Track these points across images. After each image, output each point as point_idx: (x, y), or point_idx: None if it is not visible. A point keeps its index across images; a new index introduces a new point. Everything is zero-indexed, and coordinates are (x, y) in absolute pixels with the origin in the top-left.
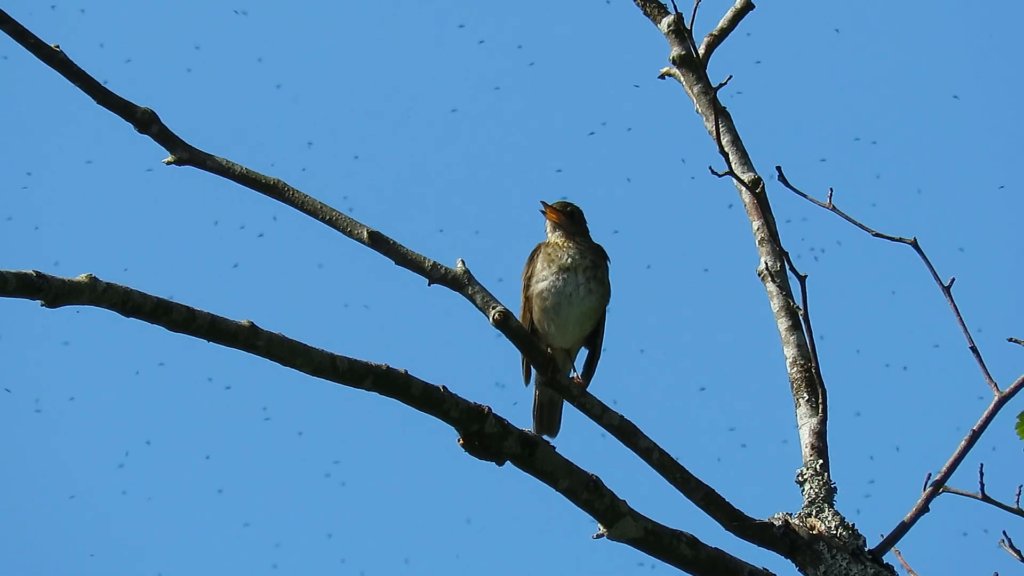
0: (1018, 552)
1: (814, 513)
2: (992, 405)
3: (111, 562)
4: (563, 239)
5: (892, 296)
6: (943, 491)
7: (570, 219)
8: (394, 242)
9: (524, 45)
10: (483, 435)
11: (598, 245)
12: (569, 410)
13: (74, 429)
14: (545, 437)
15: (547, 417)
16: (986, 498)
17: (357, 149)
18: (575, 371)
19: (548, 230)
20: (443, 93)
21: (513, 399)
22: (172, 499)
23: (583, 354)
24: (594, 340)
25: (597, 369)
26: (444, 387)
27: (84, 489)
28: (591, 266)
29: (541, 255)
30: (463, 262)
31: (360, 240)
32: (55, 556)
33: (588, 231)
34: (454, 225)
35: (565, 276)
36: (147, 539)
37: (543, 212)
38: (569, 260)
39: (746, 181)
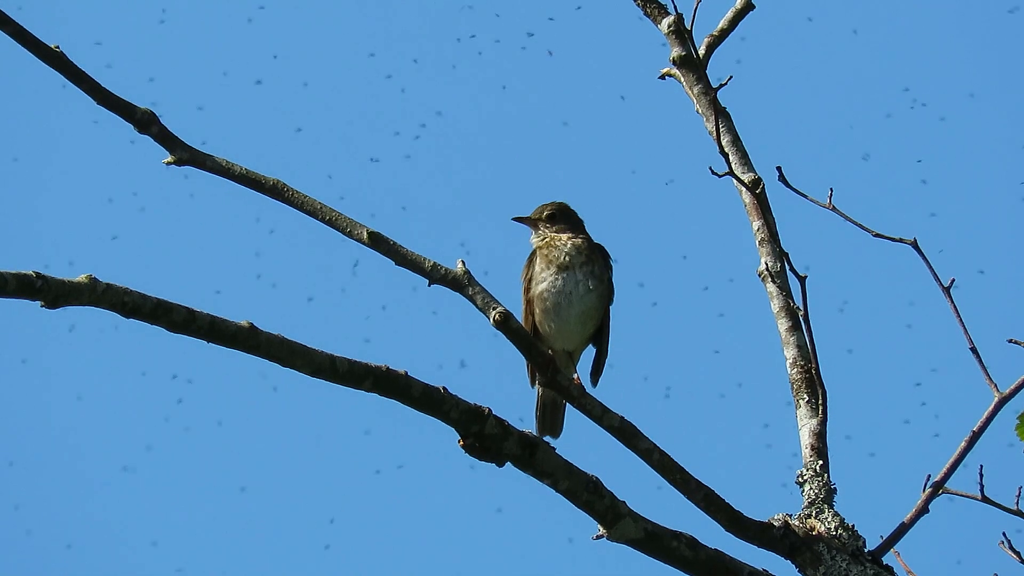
0: (1017, 553)
1: (814, 514)
2: (992, 406)
3: (111, 563)
4: (556, 241)
5: (892, 296)
6: (943, 492)
7: (551, 221)
8: (394, 242)
9: (524, 46)
10: (483, 436)
11: (598, 244)
12: (570, 411)
13: (76, 430)
14: (547, 438)
15: (550, 418)
16: (986, 499)
17: (357, 151)
18: (576, 373)
19: (535, 241)
20: (443, 93)
21: (514, 400)
22: (173, 496)
23: (591, 353)
24: (600, 339)
25: (604, 369)
26: (444, 388)
27: (86, 490)
28: (588, 263)
29: (539, 257)
30: (463, 263)
31: (360, 240)
32: (59, 557)
33: (582, 223)
34: (454, 226)
35: (564, 275)
36: (147, 540)
37: (520, 221)
38: (566, 259)
39: (746, 181)
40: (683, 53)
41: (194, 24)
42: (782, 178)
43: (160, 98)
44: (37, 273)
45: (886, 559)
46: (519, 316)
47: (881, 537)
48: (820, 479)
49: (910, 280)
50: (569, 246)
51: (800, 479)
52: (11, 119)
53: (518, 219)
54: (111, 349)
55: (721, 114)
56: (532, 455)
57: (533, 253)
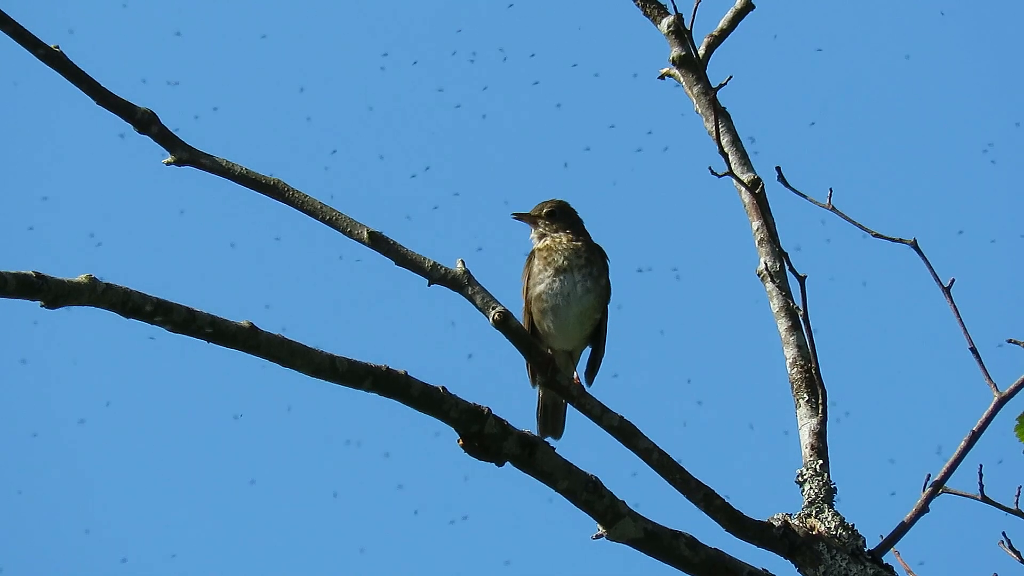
0: (1017, 553)
1: (814, 513)
2: (992, 406)
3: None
4: (555, 241)
5: (889, 295)
6: (942, 492)
7: (551, 219)
8: (394, 242)
9: (524, 45)
10: (483, 436)
11: (596, 245)
12: (569, 411)
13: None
14: (548, 439)
15: (551, 419)
16: (985, 499)
17: (357, 151)
18: (576, 373)
19: (534, 239)
20: (443, 93)
21: (514, 400)
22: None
23: (587, 352)
24: (597, 338)
25: (601, 367)
26: (444, 388)
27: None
28: (586, 264)
29: (537, 258)
30: (463, 262)
31: (360, 240)
32: (58, 557)
33: (581, 222)
34: (454, 226)
35: (562, 278)
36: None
37: (519, 218)
38: (564, 261)
39: (746, 181)
40: (683, 53)
41: (193, 23)
42: (781, 178)
43: (160, 97)
44: (37, 273)
45: (886, 558)
46: (519, 315)
47: (881, 536)
48: (820, 478)
49: (910, 280)
50: (567, 248)
51: (800, 479)
52: (11, 119)
53: (518, 215)
54: (111, 349)
55: (721, 114)
56: (531, 455)
57: (532, 253)
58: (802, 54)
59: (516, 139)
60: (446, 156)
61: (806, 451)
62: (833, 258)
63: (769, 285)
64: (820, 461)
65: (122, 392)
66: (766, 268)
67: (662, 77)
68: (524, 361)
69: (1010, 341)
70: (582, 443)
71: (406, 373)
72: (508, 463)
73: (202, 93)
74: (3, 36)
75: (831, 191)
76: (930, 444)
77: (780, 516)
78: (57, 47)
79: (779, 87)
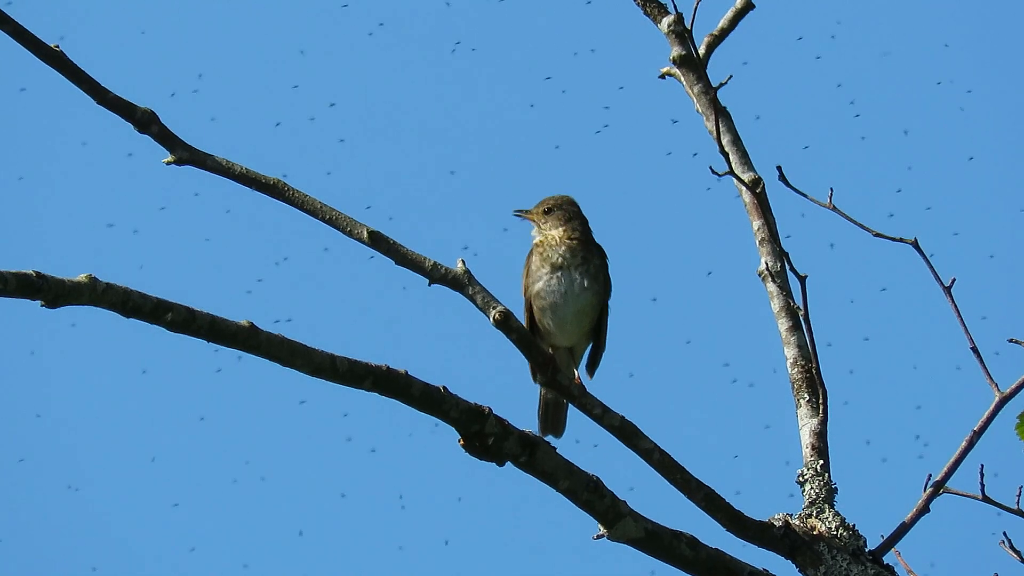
0: (1018, 553)
1: (814, 514)
2: (992, 405)
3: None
4: (554, 238)
5: (891, 296)
6: (943, 492)
7: (551, 215)
8: (394, 242)
9: (524, 45)
10: (483, 435)
11: (596, 242)
12: (571, 410)
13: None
14: (550, 438)
15: (552, 418)
16: (986, 499)
17: (356, 149)
18: (577, 372)
19: (535, 236)
20: (444, 92)
21: (515, 400)
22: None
23: (588, 348)
24: (598, 333)
25: (602, 366)
26: (444, 387)
27: (85, 488)
28: (583, 263)
29: (535, 255)
30: (463, 262)
31: (360, 240)
32: (59, 559)
33: (585, 219)
34: (454, 225)
35: (559, 274)
36: (149, 540)
37: (520, 216)
38: (561, 259)
39: (746, 181)
40: (683, 52)
41: (191, 22)
42: (782, 178)
43: (160, 97)
44: (37, 272)
45: (887, 559)
46: (520, 312)
47: (882, 537)
48: (821, 479)
49: (910, 280)
50: (564, 245)
51: (801, 479)
52: (10, 119)
53: (519, 212)
54: (112, 348)
55: (721, 113)
56: (532, 454)
57: (532, 251)
58: (802, 54)
59: (515, 138)
60: (445, 156)
61: (807, 451)
62: (833, 258)
63: (770, 285)
64: (821, 461)
65: (122, 392)
66: (767, 268)
67: (662, 76)
68: (526, 362)
69: (1011, 341)
70: (583, 443)
71: (406, 373)
72: (509, 463)
73: (202, 93)
74: (3, 36)
75: (831, 191)
76: (931, 444)
77: (781, 516)
78: (57, 46)
79: (779, 87)
